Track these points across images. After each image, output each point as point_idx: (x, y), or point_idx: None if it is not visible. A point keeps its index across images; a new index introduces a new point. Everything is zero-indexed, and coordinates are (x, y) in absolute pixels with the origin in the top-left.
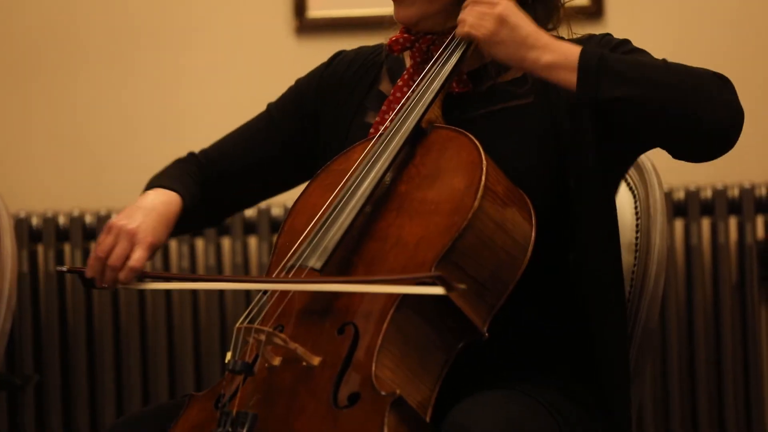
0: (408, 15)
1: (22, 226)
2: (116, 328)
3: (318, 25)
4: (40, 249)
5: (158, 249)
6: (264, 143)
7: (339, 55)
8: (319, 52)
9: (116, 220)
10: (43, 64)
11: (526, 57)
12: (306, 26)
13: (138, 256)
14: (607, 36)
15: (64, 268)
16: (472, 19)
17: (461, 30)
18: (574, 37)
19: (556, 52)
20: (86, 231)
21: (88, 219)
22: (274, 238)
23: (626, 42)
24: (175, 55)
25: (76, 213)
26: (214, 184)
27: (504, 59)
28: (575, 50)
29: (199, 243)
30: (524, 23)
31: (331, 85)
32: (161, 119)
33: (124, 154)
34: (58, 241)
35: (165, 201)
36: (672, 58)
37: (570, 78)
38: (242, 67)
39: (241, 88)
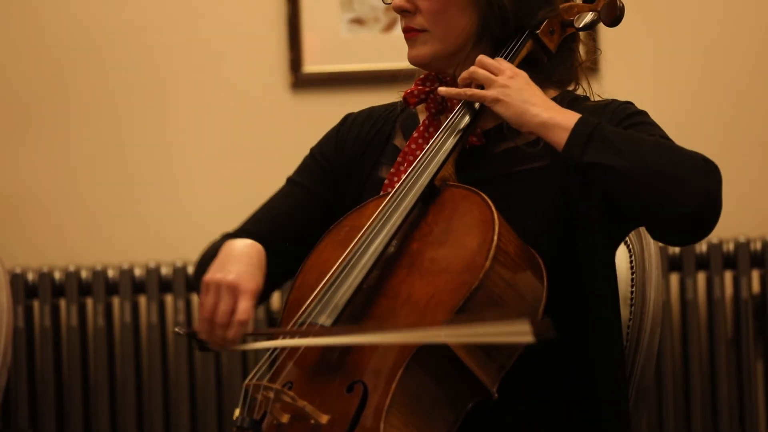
0: (421, 54)
1: (17, 281)
2: (112, 384)
3: (313, 80)
4: (36, 304)
5: (259, 296)
6: (301, 210)
7: (348, 117)
8: (314, 106)
9: (211, 275)
10: (37, 120)
11: (526, 111)
12: (301, 81)
13: (244, 308)
14: (628, 104)
15: (181, 331)
16: (483, 74)
17: (471, 87)
18: (597, 99)
19: (556, 112)
20: (82, 286)
21: (84, 274)
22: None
23: (641, 113)
24: (170, 109)
25: (71, 268)
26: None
27: (505, 116)
28: (575, 115)
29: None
30: (533, 86)
31: (346, 146)
32: (157, 174)
33: (119, 209)
34: (54, 297)
35: (249, 245)
36: (665, 114)
37: (562, 137)
38: (239, 122)
39: (238, 142)
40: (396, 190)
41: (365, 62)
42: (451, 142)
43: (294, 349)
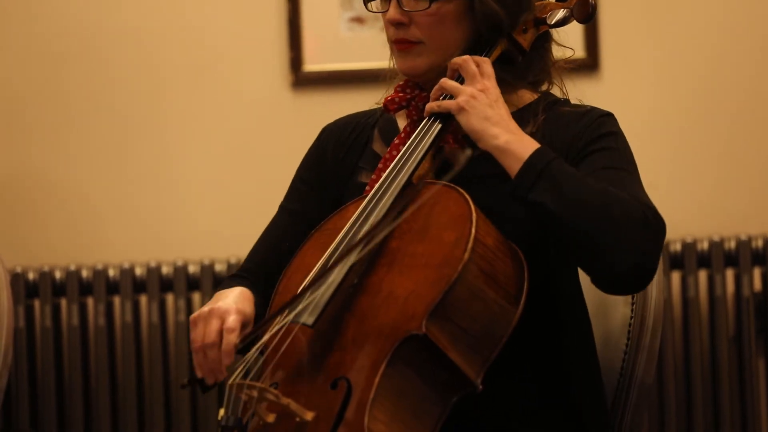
0: (415, 66)
1: (18, 281)
2: (113, 384)
3: (313, 79)
4: (37, 304)
5: (249, 323)
6: (296, 235)
7: (325, 130)
8: (314, 105)
9: (196, 312)
10: (37, 121)
11: (486, 130)
12: (302, 80)
13: (232, 319)
14: (604, 118)
15: (185, 382)
16: (450, 86)
17: (439, 93)
18: (576, 102)
19: (514, 137)
20: (83, 286)
21: (85, 274)
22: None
23: (612, 135)
24: (171, 108)
25: (72, 268)
26: (266, 289)
27: (466, 128)
28: (532, 146)
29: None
30: (500, 105)
31: (326, 157)
32: (158, 173)
33: (120, 209)
34: (55, 296)
35: (236, 289)
36: (667, 113)
37: (514, 167)
38: (239, 121)
39: (239, 141)
40: (374, 191)
41: (365, 61)
42: (427, 141)
43: (277, 348)
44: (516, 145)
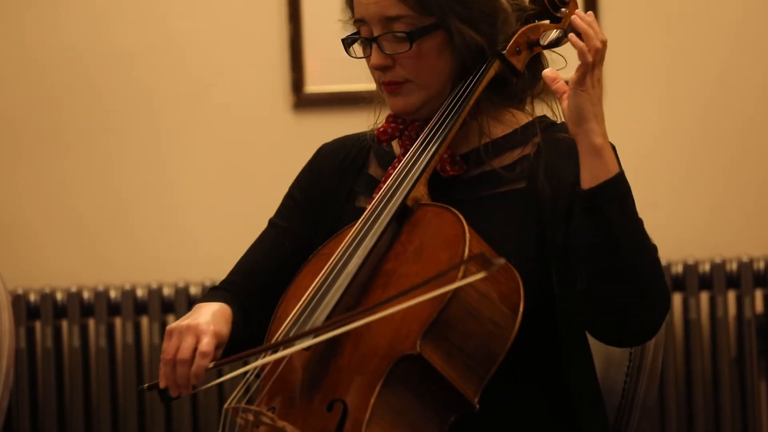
0: (407, 104)
1: (19, 302)
2: (114, 406)
3: (315, 101)
4: (38, 325)
5: (223, 344)
6: (282, 252)
7: (322, 149)
8: (315, 126)
9: (174, 324)
10: (37, 142)
11: (591, 121)
12: (303, 101)
13: (206, 342)
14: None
15: (144, 386)
16: (602, 55)
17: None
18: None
19: (607, 146)
20: (84, 307)
21: (86, 295)
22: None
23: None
24: (171, 130)
25: (73, 289)
26: (248, 304)
27: (576, 105)
28: (616, 161)
29: None
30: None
31: (322, 177)
32: (159, 195)
33: (121, 231)
34: (56, 318)
35: (216, 305)
36: (666, 134)
37: (599, 174)
38: (241, 143)
39: (240, 163)
40: (368, 213)
41: (367, 82)
42: (422, 163)
43: (272, 370)
44: (607, 154)
